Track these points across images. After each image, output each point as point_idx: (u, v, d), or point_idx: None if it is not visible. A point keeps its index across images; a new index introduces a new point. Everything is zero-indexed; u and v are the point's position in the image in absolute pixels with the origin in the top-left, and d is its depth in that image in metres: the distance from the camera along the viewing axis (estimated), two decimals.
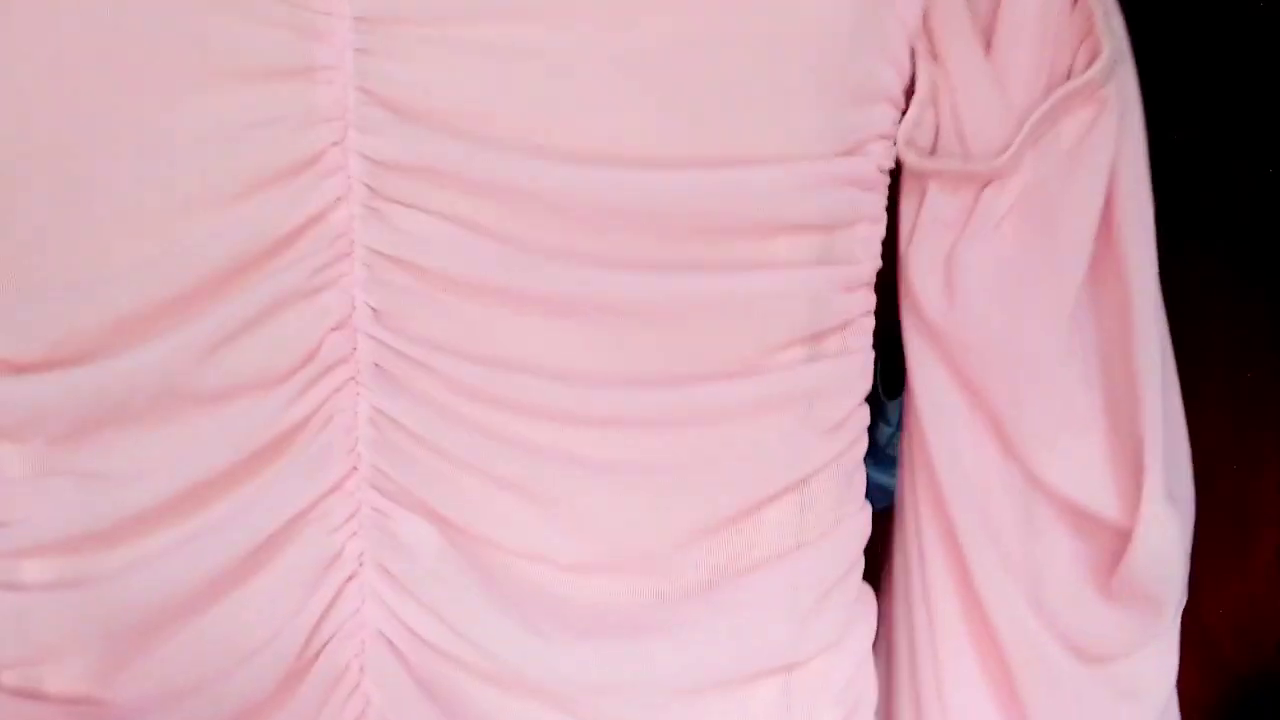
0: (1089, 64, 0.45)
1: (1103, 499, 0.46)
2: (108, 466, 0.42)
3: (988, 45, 0.45)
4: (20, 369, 0.41)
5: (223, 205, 0.39)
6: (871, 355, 0.48)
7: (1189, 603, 0.52)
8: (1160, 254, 0.52)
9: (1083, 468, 0.46)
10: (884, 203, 0.46)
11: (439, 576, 0.44)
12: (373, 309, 0.42)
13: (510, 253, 0.41)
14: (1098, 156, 0.45)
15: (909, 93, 0.46)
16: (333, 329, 0.42)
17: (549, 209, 0.41)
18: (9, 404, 0.41)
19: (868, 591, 0.52)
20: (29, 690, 0.44)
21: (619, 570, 0.45)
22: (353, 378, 0.43)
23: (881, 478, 0.68)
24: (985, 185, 0.46)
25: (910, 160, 0.45)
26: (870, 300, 0.47)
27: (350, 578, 0.45)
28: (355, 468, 0.44)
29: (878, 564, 0.55)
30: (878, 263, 0.47)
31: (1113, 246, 0.47)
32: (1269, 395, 1.02)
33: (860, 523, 0.49)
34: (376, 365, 0.43)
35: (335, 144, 0.40)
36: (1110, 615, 0.47)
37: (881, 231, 0.47)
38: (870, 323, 0.48)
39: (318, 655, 0.45)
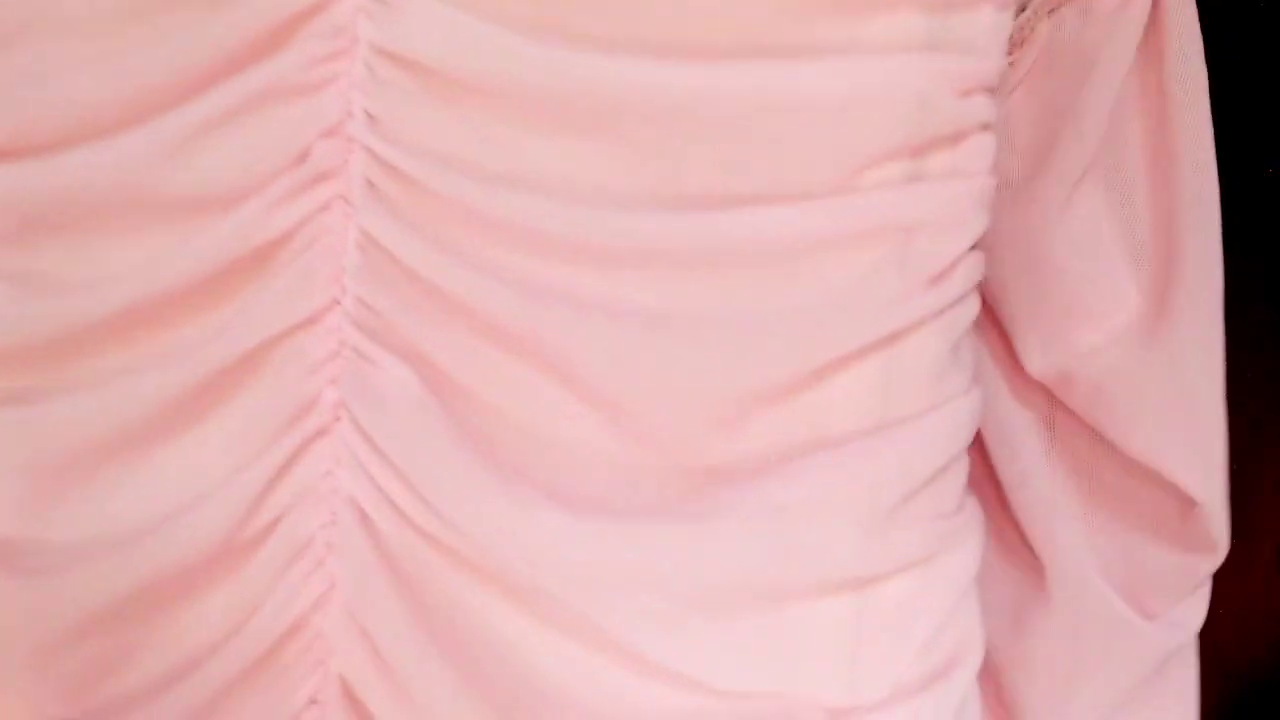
0: None
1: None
2: (54, 273, 0.37)
3: None
4: None
5: None
6: (992, 184, 0.38)
7: None
8: None
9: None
10: None
11: (413, 430, 0.37)
12: (370, 115, 0.37)
13: (533, 46, 0.34)
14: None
15: None
16: (323, 135, 0.37)
17: None
18: None
19: (974, 506, 0.42)
20: None
21: (640, 443, 0.37)
22: (342, 195, 0.37)
23: None
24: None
25: None
26: (991, 111, 0.38)
27: (323, 432, 0.39)
28: (338, 300, 0.38)
29: None
30: (1003, 60, 0.38)
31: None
32: (1269, 395, 1.02)
33: (967, 409, 0.40)
34: (369, 182, 0.37)
35: None
36: (1176, 556, 0.45)
37: (1009, 23, 0.37)
38: (991, 143, 0.38)
39: (277, 521, 0.39)
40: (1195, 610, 0.49)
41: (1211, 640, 1.10)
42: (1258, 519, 1.03)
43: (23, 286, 0.37)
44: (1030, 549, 0.47)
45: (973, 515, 0.42)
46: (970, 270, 0.39)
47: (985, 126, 0.38)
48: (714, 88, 0.34)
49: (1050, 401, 0.46)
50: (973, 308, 0.39)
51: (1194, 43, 0.42)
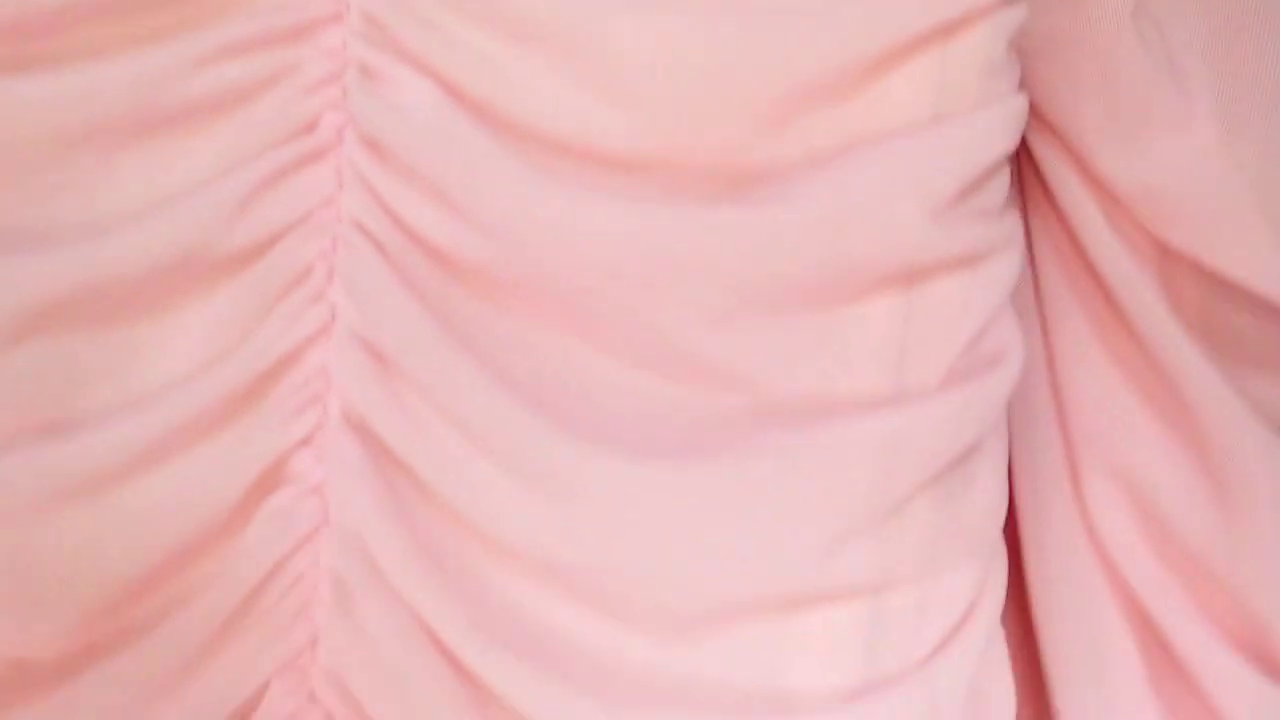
0: None
1: None
2: None
3: None
4: None
5: None
6: None
7: None
8: None
9: None
10: None
11: (444, 142, 0.35)
12: None
13: None
14: None
15: None
16: None
17: None
18: None
19: (1015, 214, 0.41)
20: None
21: (687, 145, 0.35)
22: None
23: None
24: None
25: None
26: None
27: (321, 154, 0.36)
28: (340, 15, 0.35)
29: None
30: None
31: None
32: None
33: (1017, 107, 0.38)
34: None
35: None
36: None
37: None
38: None
39: (269, 245, 0.36)
40: None
41: None
42: None
43: None
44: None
45: (1015, 222, 0.41)
46: None
47: None
48: None
49: (1130, 222, 0.42)
50: (1023, 9, 0.37)
51: None
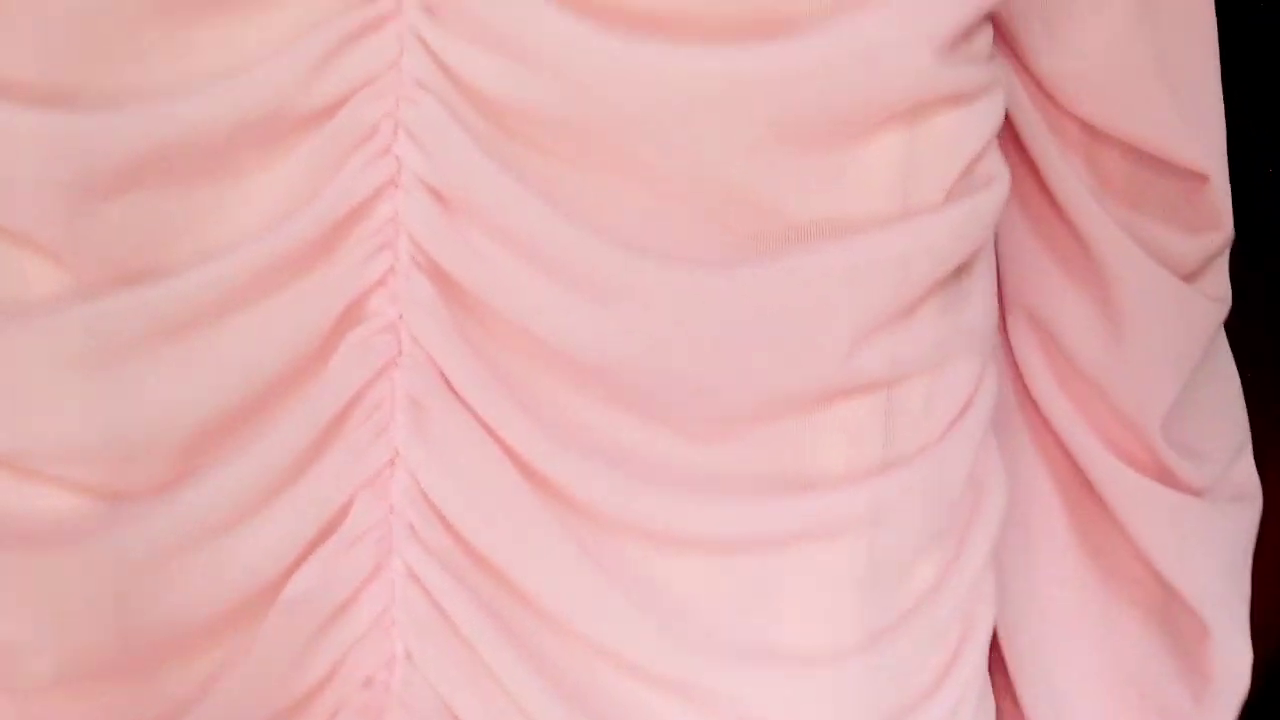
0: None
1: None
2: None
3: None
4: None
5: None
6: None
7: None
8: None
9: None
10: None
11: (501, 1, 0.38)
12: None
13: None
14: None
15: None
16: None
17: None
18: None
19: (1000, 59, 0.47)
20: None
21: (712, 5, 0.39)
22: None
23: None
24: None
25: None
26: None
27: (383, 21, 0.40)
28: None
29: None
30: None
31: None
32: (1269, 395, 1.02)
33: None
34: None
35: None
36: (1185, 239, 0.50)
37: None
38: None
39: (339, 105, 0.40)
40: (1218, 282, 0.52)
41: None
42: (1260, 519, 1.03)
43: None
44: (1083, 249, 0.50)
45: (999, 66, 0.46)
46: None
47: None
48: None
49: (1054, 104, 0.50)
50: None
51: None
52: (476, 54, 0.39)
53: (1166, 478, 0.51)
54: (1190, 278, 0.51)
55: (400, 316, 0.42)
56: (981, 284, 0.47)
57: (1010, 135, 0.50)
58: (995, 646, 0.52)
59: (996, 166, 0.46)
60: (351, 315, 0.42)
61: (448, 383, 0.42)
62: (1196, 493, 0.52)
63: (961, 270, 0.45)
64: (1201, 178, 0.49)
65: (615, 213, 0.41)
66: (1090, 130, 0.50)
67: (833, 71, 0.40)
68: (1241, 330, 1.09)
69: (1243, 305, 1.10)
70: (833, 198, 0.42)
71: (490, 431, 0.42)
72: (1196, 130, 0.49)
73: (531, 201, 0.40)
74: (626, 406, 0.42)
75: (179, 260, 0.41)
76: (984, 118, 0.45)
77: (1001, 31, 0.47)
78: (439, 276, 0.42)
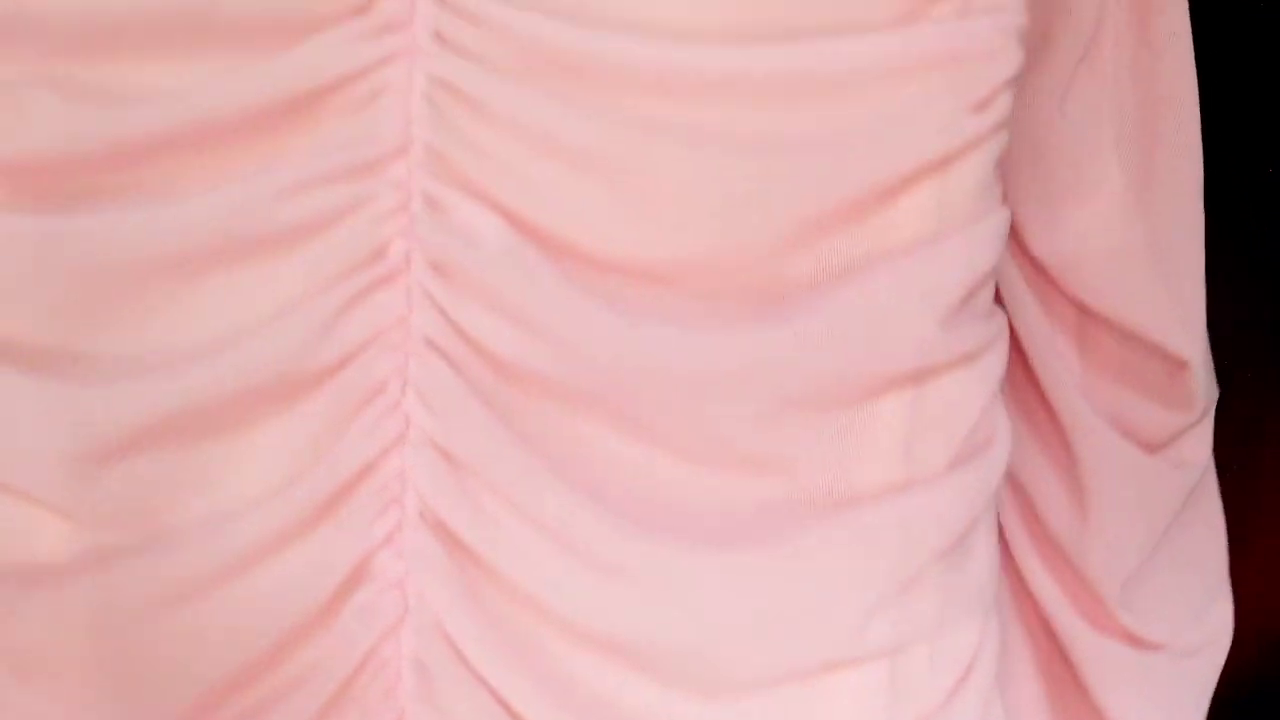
0: None
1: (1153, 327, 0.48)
2: (112, 84, 0.37)
3: None
4: None
5: None
6: (1025, 21, 0.41)
7: None
8: None
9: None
10: None
11: (509, 267, 0.38)
12: None
13: None
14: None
15: None
16: None
17: None
18: None
19: (1001, 314, 0.46)
20: None
21: (717, 269, 0.39)
22: (409, 46, 0.38)
23: None
24: None
25: None
26: None
27: (391, 277, 0.39)
28: (407, 150, 0.38)
29: None
30: None
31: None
32: (1269, 395, 1.02)
33: (1003, 219, 0.43)
34: (438, 33, 0.37)
35: None
36: (1162, 414, 0.49)
37: None
38: None
39: (346, 362, 0.39)
40: (1196, 445, 0.52)
41: None
42: (1257, 519, 1.03)
43: (75, 97, 0.37)
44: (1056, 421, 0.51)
45: (1002, 320, 0.45)
46: (1007, 101, 0.41)
47: None
48: None
49: (1048, 282, 0.50)
50: (1006, 135, 0.42)
51: None
52: (485, 315, 0.39)
53: (1127, 637, 0.51)
54: (1159, 448, 0.52)
55: (405, 575, 0.40)
56: (984, 540, 0.46)
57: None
58: None
59: (999, 425, 0.45)
60: (358, 574, 0.40)
61: (453, 645, 0.41)
62: (1156, 648, 0.52)
63: (965, 531, 0.44)
64: (1182, 363, 0.49)
65: (626, 481, 0.40)
66: (1083, 309, 0.50)
67: (836, 342, 0.39)
68: (1241, 330, 1.09)
69: (1243, 305, 1.09)
70: (837, 463, 0.41)
71: (497, 697, 0.41)
72: (1183, 317, 0.49)
73: (539, 470, 0.39)
74: (638, 672, 0.40)
75: (187, 521, 0.39)
76: (987, 376, 0.44)
77: None
78: (445, 534, 0.40)
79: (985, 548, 0.46)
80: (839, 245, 0.39)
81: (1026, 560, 0.51)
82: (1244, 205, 1.00)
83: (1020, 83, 0.43)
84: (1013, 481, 0.52)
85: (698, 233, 0.38)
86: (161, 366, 0.38)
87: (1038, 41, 0.45)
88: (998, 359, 0.44)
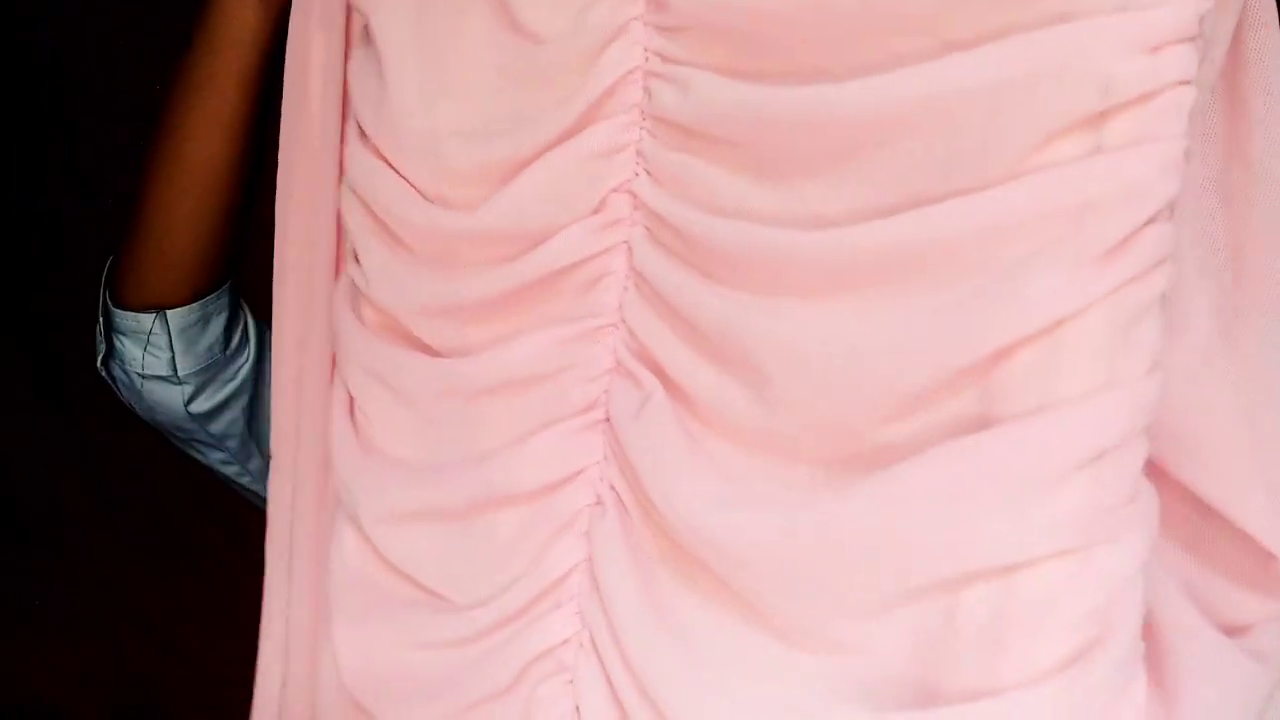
0: None
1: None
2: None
3: None
4: None
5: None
6: (1183, 144, 0.37)
7: None
8: None
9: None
10: None
11: (656, 430, 0.48)
12: (650, 175, 0.47)
13: (778, 91, 0.41)
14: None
15: None
16: (615, 190, 0.48)
17: (805, 19, 0.40)
18: None
19: (1149, 496, 0.42)
20: None
21: (830, 441, 0.44)
22: (626, 241, 0.48)
23: None
24: None
25: None
26: (1190, 62, 0.36)
27: (595, 426, 0.50)
28: (614, 325, 0.50)
29: None
30: (1203, 2, 0.36)
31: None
32: None
33: (1142, 392, 0.39)
34: (647, 229, 0.48)
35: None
36: (1258, 602, 0.44)
37: None
38: (1189, 97, 0.37)
39: (559, 488, 0.51)
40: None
41: None
42: None
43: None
44: None
45: (1146, 506, 0.41)
46: (1153, 243, 0.37)
47: (1183, 81, 0.37)
48: (924, 93, 0.37)
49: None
50: (1156, 284, 0.38)
51: (1275, 57, 0.42)
52: (647, 477, 0.48)
53: None
54: (1237, 632, 0.45)
55: (576, 676, 0.51)
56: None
57: None
58: None
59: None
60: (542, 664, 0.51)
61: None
62: None
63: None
64: (1269, 555, 0.42)
65: (738, 657, 0.48)
66: (1160, 472, 0.44)
67: (925, 521, 0.42)
68: None
69: None
70: (924, 655, 0.44)
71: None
72: (1267, 496, 0.42)
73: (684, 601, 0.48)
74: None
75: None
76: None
77: None
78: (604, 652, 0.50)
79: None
80: (933, 420, 0.41)
81: None
82: None
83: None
84: None
85: (817, 408, 0.43)
86: (456, 473, 0.51)
87: None
88: (1127, 551, 0.41)
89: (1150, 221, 0.38)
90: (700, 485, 0.46)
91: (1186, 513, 0.44)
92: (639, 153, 0.46)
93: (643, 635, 0.48)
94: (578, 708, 0.50)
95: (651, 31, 0.44)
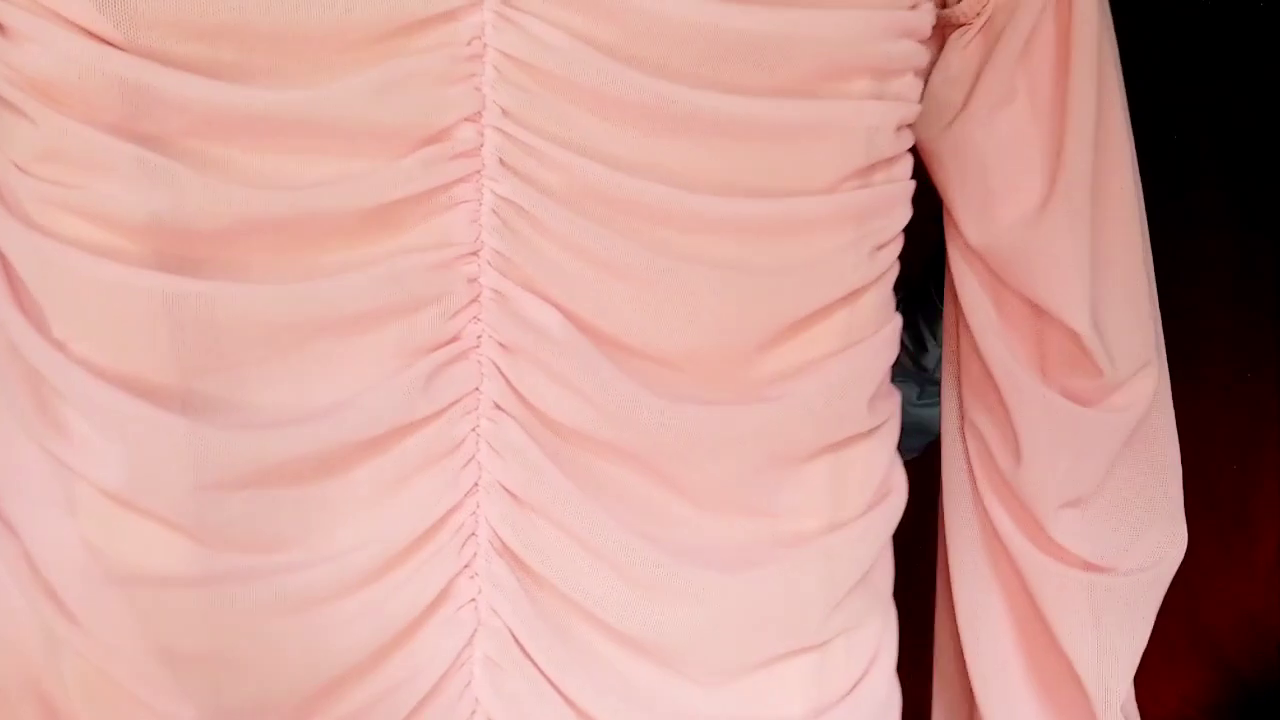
0: None
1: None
2: (229, 168, 0.45)
3: None
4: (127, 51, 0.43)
5: None
6: (911, 186, 0.53)
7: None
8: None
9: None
10: (927, 57, 0.52)
11: (568, 351, 0.48)
12: (501, 108, 0.46)
13: (626, 67, 0.46)
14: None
15: None
16: (464, 119, 0.46)
17: (666, 35, 0.46)
18: (112, 74, 0.43)
19: (896, 394, 0.58)
20: (95, 366, 0.46)
21: (713, 362, 0.50)
22: (479, 170, 0.46)
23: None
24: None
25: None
26: (911, 139, 0.53)
27: (465, 354, 0.48)
28: (477, 253, 0.47)
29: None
30: (918, 107, 0.52)
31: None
32: (1269, 397, 1.02)
33: (893, 332, 0.55)
34: (501, 160, 0.46)
35: None
36: (1080, 380, 0.57)
37: (920, 83, 0.53)
38: (910, 160, 0.53)
39: (429, 420, 0.48)
40: (1129, 397, 0.58)
41: (1211, 640, 1.09)
42: (1258, 519, 1.03)
43: (203, 174, 0.44)
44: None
45: (897, 397, 0.58)
46: (897, 246, 0.53)
47: (910, 149, 0.53)
48: (755, 114, 0.47)
49: (984, 267, 0.59)
50: (897, 268, 0.54)
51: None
52: (546, 386, 0.48)
53: (1064, 557, 0.58)
54: (1090, 404, 0.58)
55: (480, 592, 0.50)
56: (884, 558, 0.57)
57: (952, 292, 0.61)
58: None
59: (898, 478, 0.56)
60: (442, 595, 0.50)
61: (519, 645, 0.50)
62: (1094, 568, 0.59)
63: (875, 555, 0.56)
64: (1074, 334, 0.56)
65: (652, 519, 0.50)
66: (1002, 284, 0.58)
67: (795, 422, 0.51)
68: (1241, 330, 1.10)
69: (1243, 305, 1.10)
70: (793, 511, 0.53)
71: (554, 686, 0.50)
72: (1077, 295, 0.57)
73: (587, 505, 0.49)
74: (658, 664, 0.52)
75: (297, 548, 0.48)
76: (888, 442, 0.56)
77: (948, 216, 0.59)
78: (513, 559, 0.50)
79: (885, 563, 0.58)
80: (791, 349, 0.51)
81: (987, 495, 0.60)
82: (1244, 205, 1.01)
83: (957, 112, 0.55)
84: (973, 431, 0.60)
85: (700, 333, 0.49)
86: (275, 421, 0.46)
87: (974, 80, 0.55)
88: (894, 428, 0.57)
89: (898, 234, 0.53)
90: (622, 390, 0.48)
91: (1028, 312, 0.57)
92: (484, 86, 0.46)
93: (567, 505, 0.49)
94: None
95: None
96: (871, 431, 0.55)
